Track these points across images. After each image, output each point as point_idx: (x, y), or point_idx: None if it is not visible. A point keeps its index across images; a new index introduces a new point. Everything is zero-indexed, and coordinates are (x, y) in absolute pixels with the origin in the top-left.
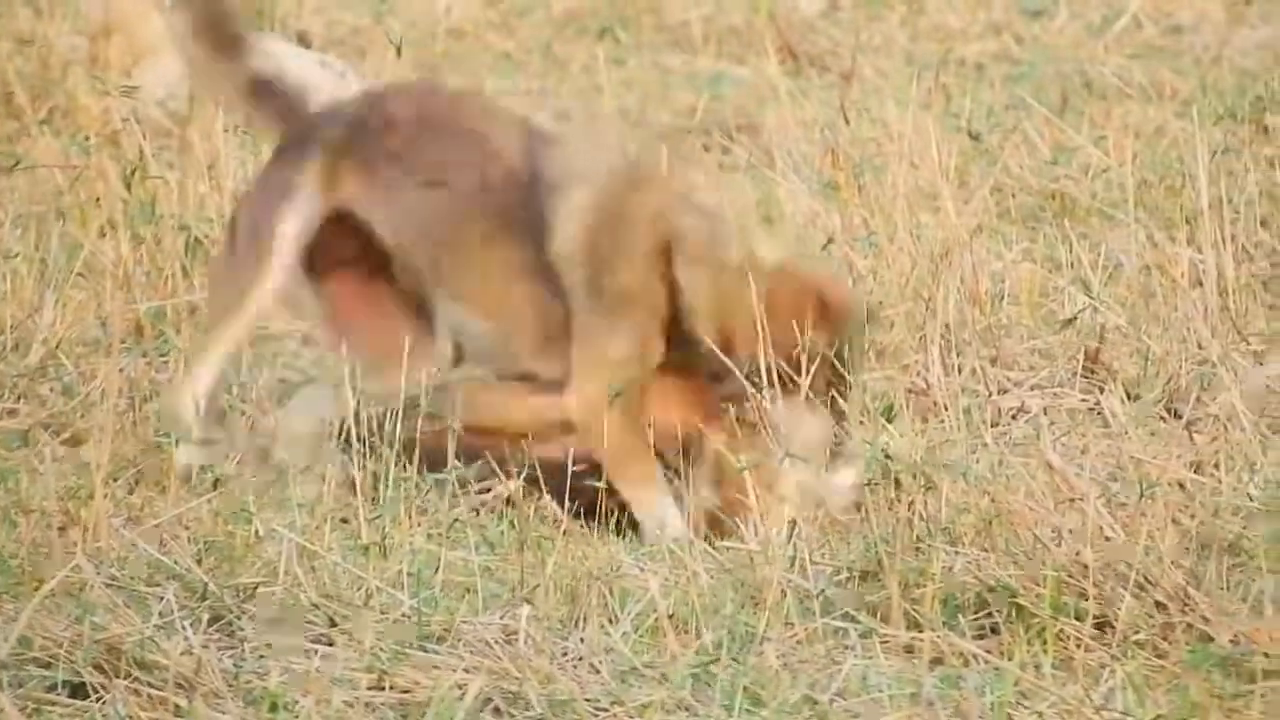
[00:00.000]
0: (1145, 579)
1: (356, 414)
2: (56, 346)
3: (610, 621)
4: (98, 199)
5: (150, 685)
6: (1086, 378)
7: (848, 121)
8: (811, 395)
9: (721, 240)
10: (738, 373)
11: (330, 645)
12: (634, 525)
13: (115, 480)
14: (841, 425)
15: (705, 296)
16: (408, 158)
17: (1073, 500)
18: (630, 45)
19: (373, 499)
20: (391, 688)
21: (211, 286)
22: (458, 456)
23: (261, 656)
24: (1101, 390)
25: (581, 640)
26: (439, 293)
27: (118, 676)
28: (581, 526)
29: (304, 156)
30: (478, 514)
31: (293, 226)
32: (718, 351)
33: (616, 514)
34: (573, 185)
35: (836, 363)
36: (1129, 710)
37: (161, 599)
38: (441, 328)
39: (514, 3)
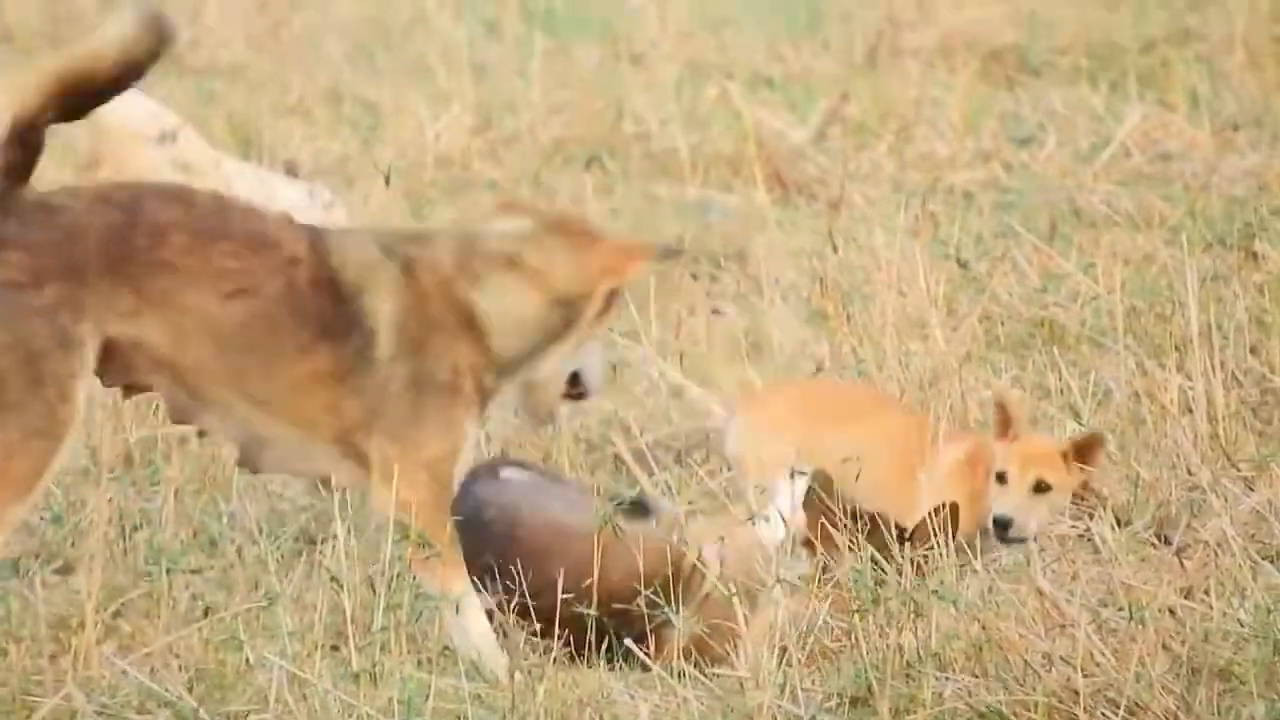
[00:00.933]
0: (1136, 704)
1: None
2: None
3: None
4: None
5: None
6: (1076, 504)
7: (836, 249)
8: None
9: None
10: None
11: None
12: (625, 655)
13: (106, 609)
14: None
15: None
16: (189, 268)
17: (1063, 626)
18: (618, 173)
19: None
20: None
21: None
22: None
23: None
24: (1091, 516)
25: None
26: (233, 398)
27: None
28: (572, 656)
29: (70, 291)
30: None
31: (83, 385)
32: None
33: (608, 641)
34: (377, 286)
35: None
36: None
37: None
38: (228, 431)
39: (502, 131)
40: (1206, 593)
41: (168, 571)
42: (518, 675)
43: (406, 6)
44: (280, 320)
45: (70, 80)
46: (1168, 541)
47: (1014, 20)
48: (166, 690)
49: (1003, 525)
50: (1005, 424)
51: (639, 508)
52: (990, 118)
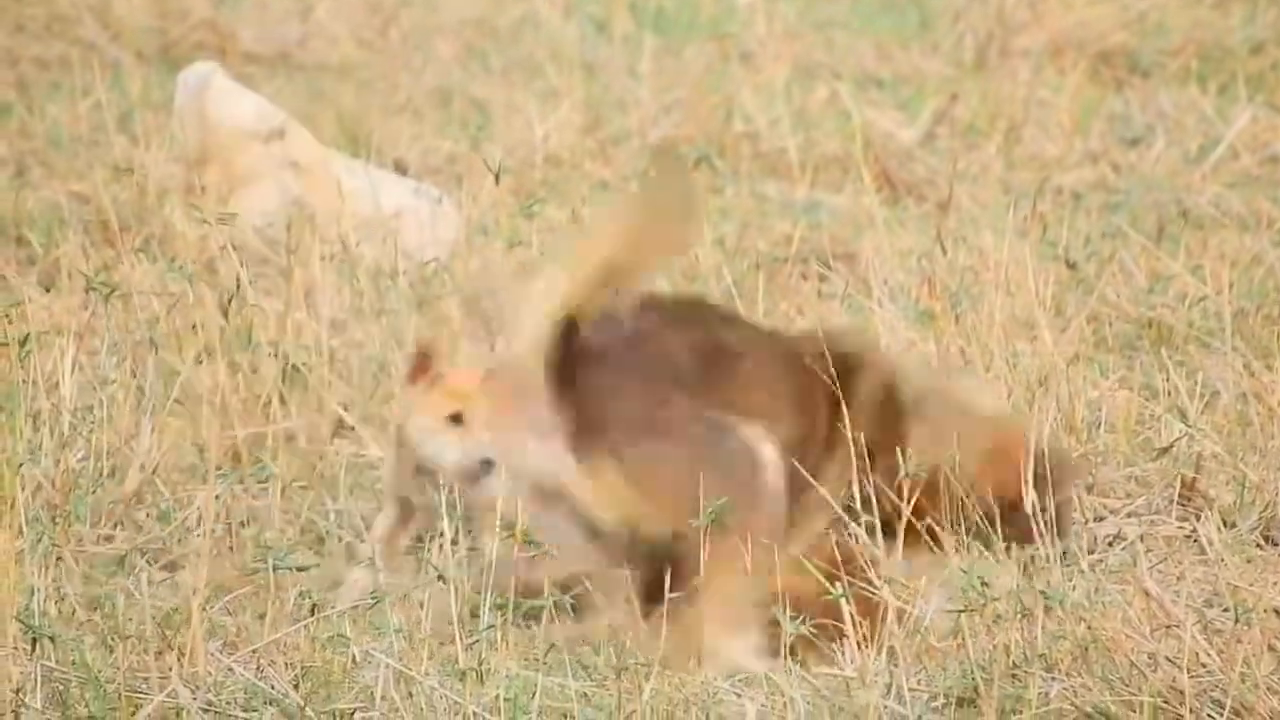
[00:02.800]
0: (1242, 705)
1: (455, 539)
2: (153, 473)
3: None
4: (195, 326)
5: None
6: (1183, 505)
7: (944, 250)
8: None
9: None
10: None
11: None
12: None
13: (212, 605)
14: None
15: None
16: None
17: (1169, 627)
18: (727, 173)
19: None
20: None
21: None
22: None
23: None
24: (1198, 518)
25: None
26: None
27: None
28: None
29: None
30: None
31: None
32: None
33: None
34: None
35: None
36: None
37: None
38: None
39: (611, 131)
40: None
41: (274, 569)
42: (624, 674)
43: (516, 6)
44: None
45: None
46: (1274, 543)
47: (1123, 21)
48: (272, 688)
49: None
50: (423, 369)
51: None
52: (1099, 119)
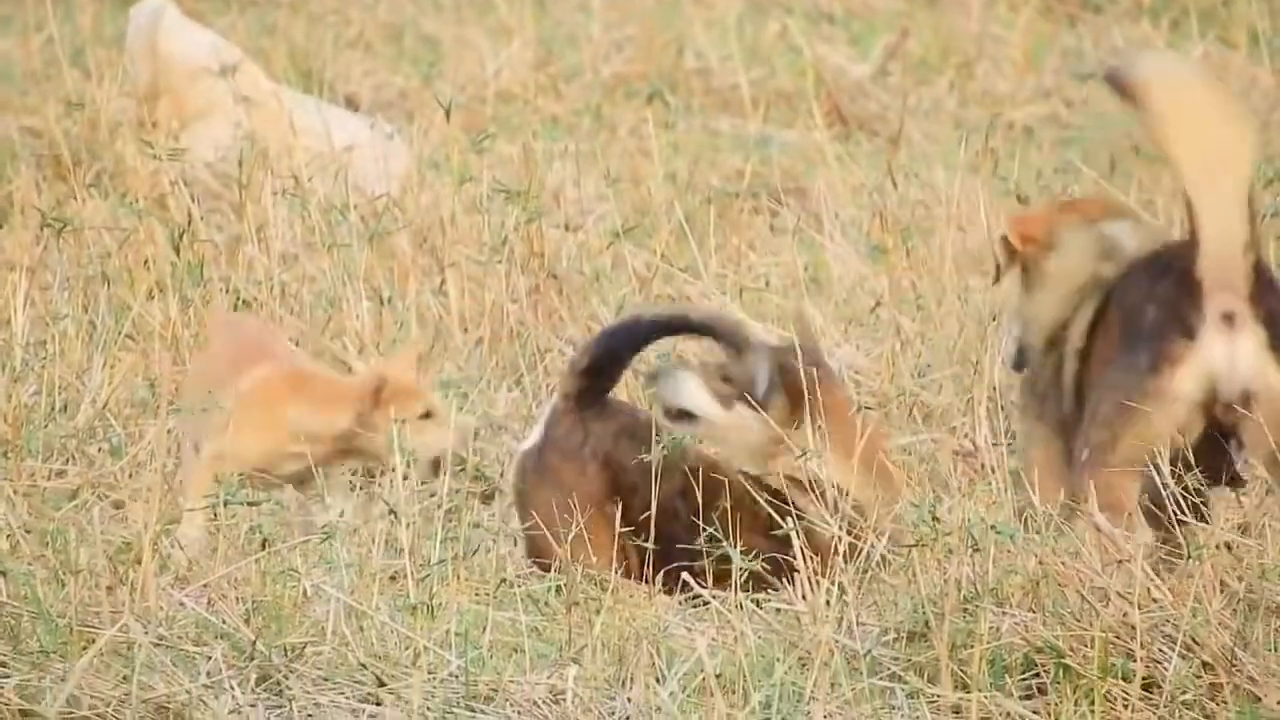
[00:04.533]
0: (1193, 640)
1: (406, 474)
2: (104, 408)
3: (658, 681)
4: (146, 261)
5: None
6: None
7: (895, 185)
8: None
9: None
10: None
11: (378, 705)
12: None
13: (163, 541)
14: None
15: None
16: None
17: (1120, 562)
18: (679, 109)
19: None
20: None
21: None
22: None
23: (309, 716)
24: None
25: (629, 700)
26: None
27: None
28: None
29: None
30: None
31: None
32: None
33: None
34: None
35: None
36: None
37: (209, 659)
38: None
39: (563, 66)
40: (1263, 529)
41: (225, 504)
42: (574, 608)
43: None
44: None
45: None
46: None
47: None
48: (224, 622)
49: None
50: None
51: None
52: (1051, 54)
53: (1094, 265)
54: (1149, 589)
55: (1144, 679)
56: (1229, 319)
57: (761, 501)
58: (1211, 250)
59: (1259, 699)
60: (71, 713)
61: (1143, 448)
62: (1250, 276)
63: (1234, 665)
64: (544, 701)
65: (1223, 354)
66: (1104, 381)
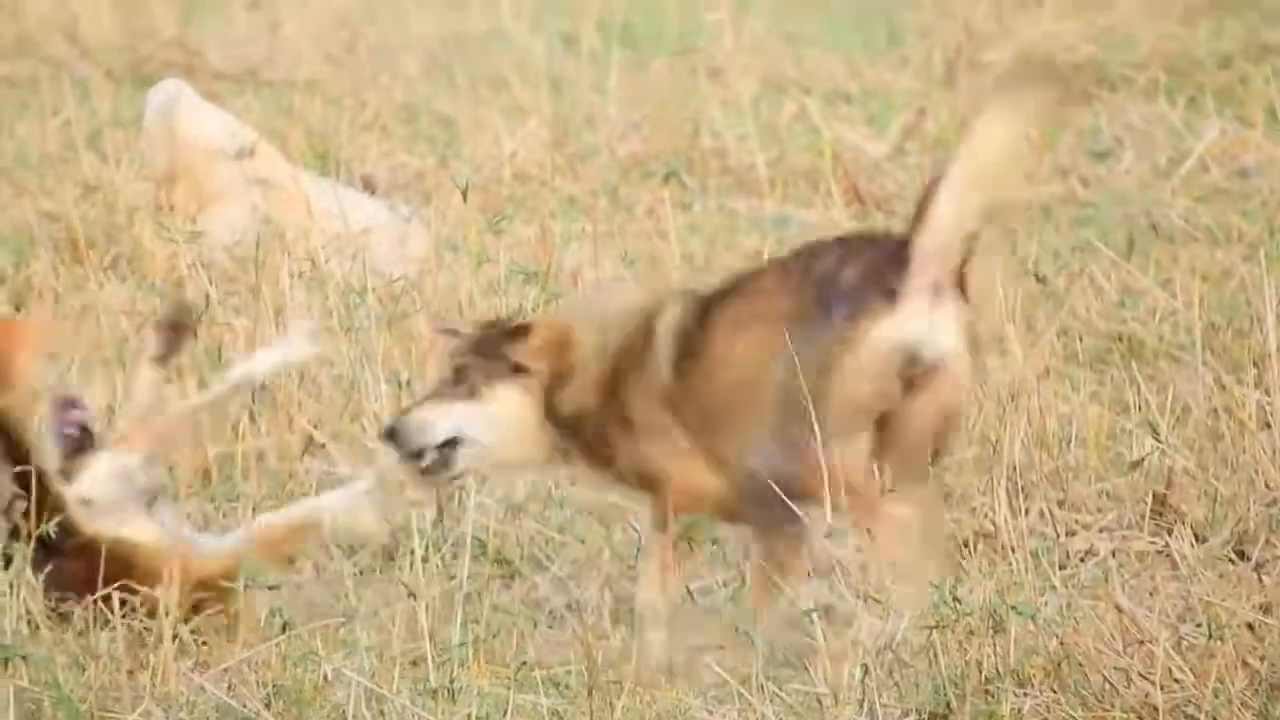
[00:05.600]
0: None
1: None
2: None
3: None
4: None
5: None
6: (1155, 520)
7: None
8: None
9: None
10: None
11: None
12: None
13: (184, 624)
14: None
15: None
16: None
17: (1142, 642)
18: (695, 189)
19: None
20: None
21: None
22: None
23: None
24: (1170, 532)
25: None
26: None
27: None
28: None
29: None
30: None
31: None
32: None
33: None
34: None
35: None
36: None
37: None
38: None
39: (579, 146)
40: None
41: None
42: (595, 691)
43: (482, 20)
44: None
45: None
46: (1246, 557)
47: (1090, 35)
48: (244, 706)
49: None
50: None
51: None
52: (1067, 133)
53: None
54: (1171, 669)
55: None
56: (937, 290)
57: None
58: (935, 225)
59: None
60: None
61: (853, 414)
62: (958, 262)
63: None
64: None
65: (924, 321)
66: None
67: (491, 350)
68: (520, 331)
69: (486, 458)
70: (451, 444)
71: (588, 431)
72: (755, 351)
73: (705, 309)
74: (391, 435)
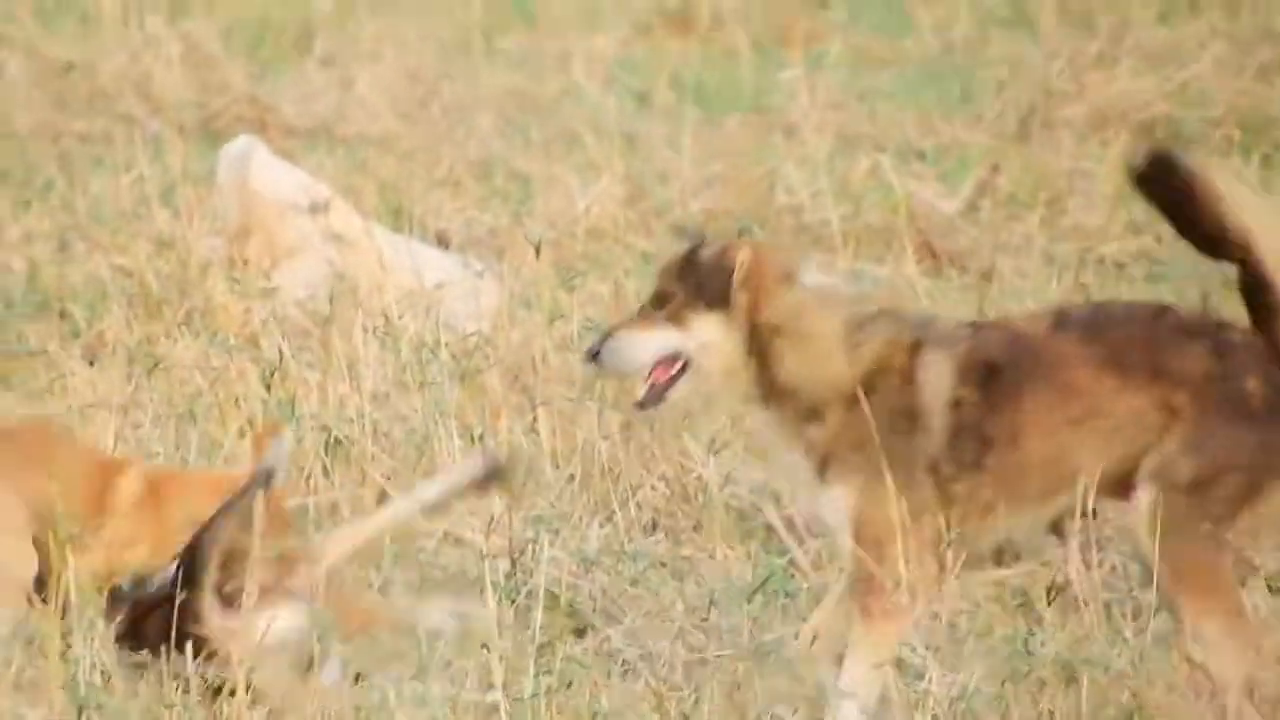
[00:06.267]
0: None
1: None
2: None
3: None
4: (237, 399)
5: None
6: None
7: None
8: None
9: None
10: None
11: None
12: None
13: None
14: None
15: None
16: None
17: (1214, 693)
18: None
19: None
20: None
21: None
22: None
23: None
24: (1243, 584)
25: None
26: None
27: None
28: None
29: None
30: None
31: None
32: None
33: None
34: None
35: None
36: None
37: None
38: None
39: (653, 202)
40: None
41: (319, 639)
42: None
43: (557, 78)
44: None
45: None
46: None
47: (1165, 92)
48: None
49: None
50: None
51: None
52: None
53: None
54: None
55: None
56: None
57: None
58: None
59: None
60: None
61: None
62: None
63: None
64: None
65: None
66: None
67: (697, 277)
68: (726, 260)
69: (696, 389)
70: (678, 373)
71: (800, 405)
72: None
73: (986, 378)
74: (594, 357)
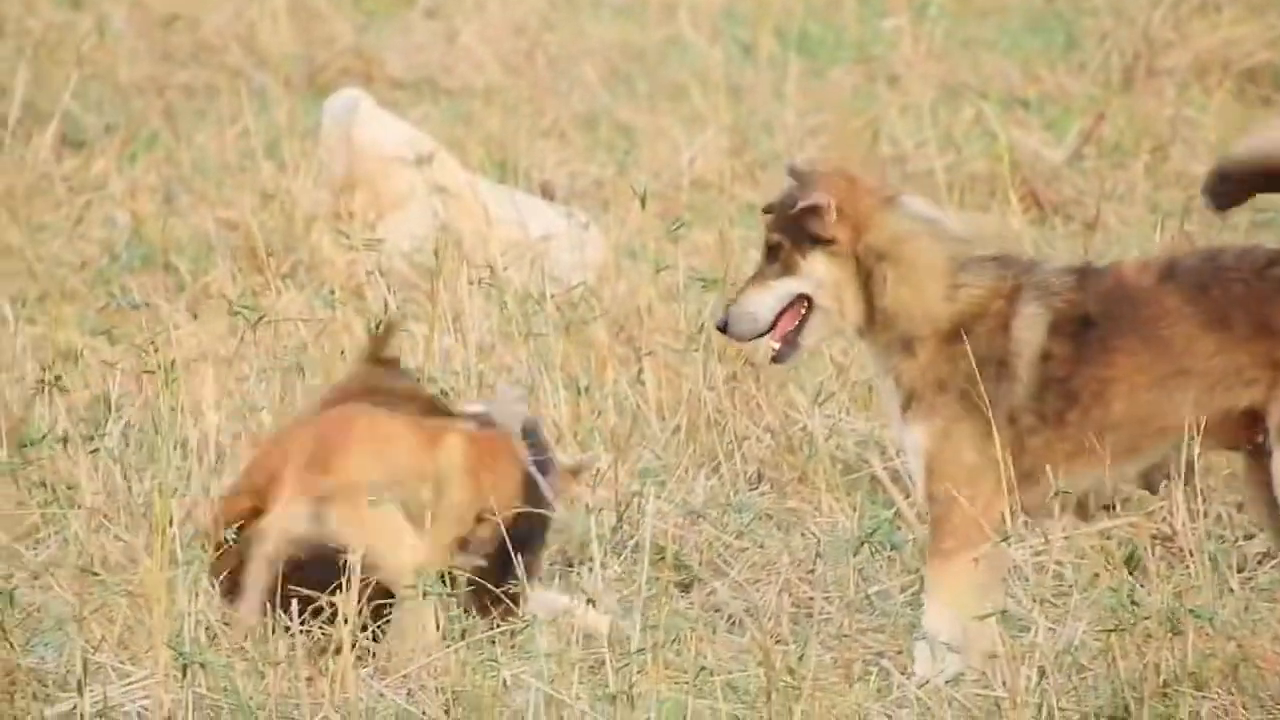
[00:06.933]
0: None
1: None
2: None
3: None
4: (342, 352)
5: None
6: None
7: None
8: None
9: None
10: None
11: None
12: None
13: (363, 630)
14: None
15: None
16: None
17: None
18: None
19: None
20: None
21: None
22: None
23: None
24: None
25: None
26: None
27: None
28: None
29: None
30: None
31: None
32: None
33: None
34: None
35: None
36: None
37: None
38: None
39: (757, 153)
40: None
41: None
42: (773, 695)
43: (662, 29)
44: None
45: None
46: None
47: (1269, 40)
48: (424, 713)
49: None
50: None
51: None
52: (1245, 136)
53: None
54: None
55: None
56: None
57: None
58: None
59: None
60: None
61: None
62: None
63: None
64: None
65: None
66: None
67: (794, 224)
68: (818, 196)
69: (825, 327)
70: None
71: (895, 335)
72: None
73: (1080, 332)
74: (724, 329)
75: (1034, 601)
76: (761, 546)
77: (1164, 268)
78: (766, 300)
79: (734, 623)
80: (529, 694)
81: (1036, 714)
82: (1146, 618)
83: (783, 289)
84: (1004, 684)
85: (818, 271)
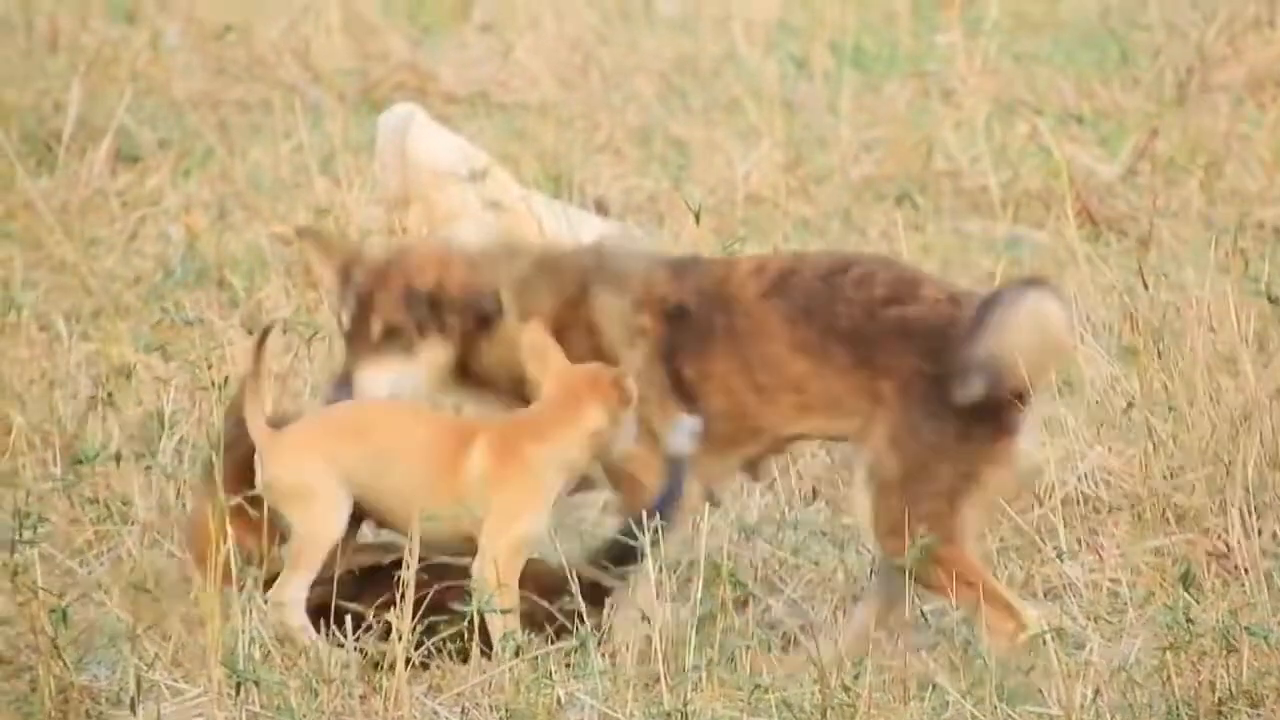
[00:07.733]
0: None
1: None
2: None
3: None
4: None
5: None
6: None
7: (1146, 286)
8: None
9: None
10: None
11: None
12: None
13: (417, 648)
14: None
15: None
16: None
17: None
18: (929, 210)
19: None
20: None
21: None
22: None
23: None
24: None
25: None
26: None
27: None
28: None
29: None
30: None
31: None
32: None
33: None
34: None
35: None
36: None
37: None
38: None
39: (812, 168)
40: None
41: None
42: (829, 712)
43: (716, 44)
44: None
45: None
46: None
47: None
48: None
49: None
50: None
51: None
52: None
53: None
54: None
55: None
56: None
57: None
58: None
59: None
60: None
61: None
62: None
63: None
64: None
65: None
66: None
67: None
68: None
69: None
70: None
71: None
72: None
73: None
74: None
75: (1089, 619)
76: (816, 563)
77: (774, 282)
78: None
79: (790, 640)
80: (583, 711)
81: None
82: (1202, 635)
83: None
84: (1059, 701)
85: None
